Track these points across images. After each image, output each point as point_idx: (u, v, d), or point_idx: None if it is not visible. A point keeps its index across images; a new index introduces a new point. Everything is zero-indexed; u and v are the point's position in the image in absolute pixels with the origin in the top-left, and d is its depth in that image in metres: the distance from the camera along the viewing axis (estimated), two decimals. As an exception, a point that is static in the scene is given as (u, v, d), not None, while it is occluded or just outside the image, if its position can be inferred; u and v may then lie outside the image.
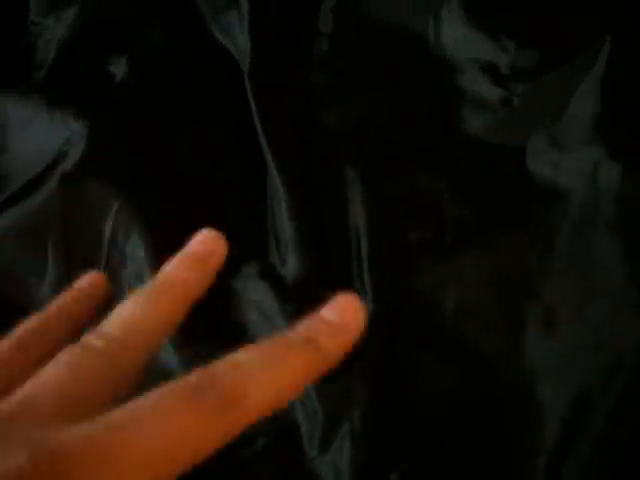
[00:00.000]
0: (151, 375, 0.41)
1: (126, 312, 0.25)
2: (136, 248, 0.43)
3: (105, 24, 0.49)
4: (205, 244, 0.29)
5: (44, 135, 0.46)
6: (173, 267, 0.28)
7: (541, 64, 0.47)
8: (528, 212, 0.44)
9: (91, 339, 0.24)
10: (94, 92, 0.47)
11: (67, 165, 0.45)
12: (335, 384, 0.40)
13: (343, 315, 0.25)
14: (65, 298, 0.30)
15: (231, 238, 0.44)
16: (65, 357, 0.23)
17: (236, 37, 0.49)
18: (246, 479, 0.40)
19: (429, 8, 0.50)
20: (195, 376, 0.22)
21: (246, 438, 0.41)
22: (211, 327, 0.43)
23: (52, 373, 0.23)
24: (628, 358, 0.40)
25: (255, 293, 0.43)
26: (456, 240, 0.44)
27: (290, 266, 0.43)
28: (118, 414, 0.21)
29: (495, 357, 0.41)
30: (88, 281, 0.31)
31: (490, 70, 0.48)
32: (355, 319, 0.25)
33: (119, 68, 0.48)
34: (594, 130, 0.44)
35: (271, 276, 0.43)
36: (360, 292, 0.43)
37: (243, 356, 0.23)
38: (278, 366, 0.23)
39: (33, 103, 0.47)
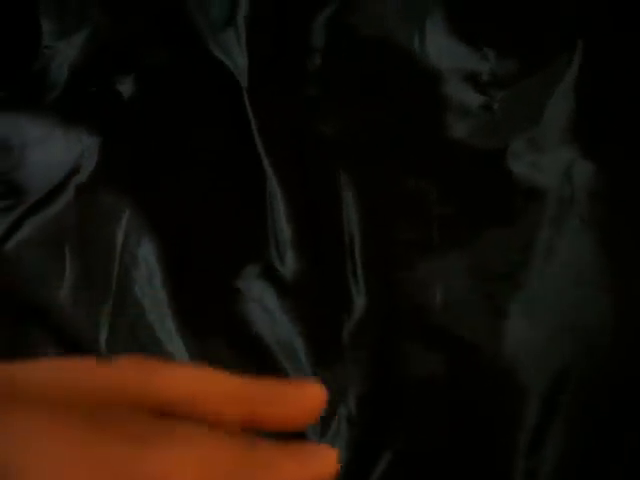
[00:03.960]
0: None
1: None
2: (147, 252, 0.47)
3: (113, 46, 0.52)
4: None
5: (59, 150, 0.49)
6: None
7: (519, 71, 0.50)
8: (509, 209, 0.47)
9: None
10: (104, 110, 0.51)
11: (82, 177, 0.48)
12: (330, 371, 0.43)
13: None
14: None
15: (235, 242, 0.48)
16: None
17: (234, 55, 0.52)
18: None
19: (414, 21, 0.52)
20: None
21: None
22: (217, 323, 0.46)
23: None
24: (604, 340, 0.43)
25: (257, 291, 0.46)
26: (443, 238, 0.47)
27: (289, 266, 0.47)
28: None
29: (479, 344, 0.44)
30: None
31: (472, 78, 0.50)
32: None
33: (126, 87, 0.51)
34: (569, 131, 0.47)
35: (271, 276, 0.47)
36: (354, 287, 0.46)
37: None
38: None
39: (48, 122, 0.50)
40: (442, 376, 0.44)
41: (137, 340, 0.46)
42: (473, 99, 0.50)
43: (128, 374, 0.25)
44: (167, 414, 0.24)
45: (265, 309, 0.46)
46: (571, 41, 0.49)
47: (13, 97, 0.52)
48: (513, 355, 0.44)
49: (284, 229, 0.47)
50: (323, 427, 0.43)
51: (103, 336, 0.46)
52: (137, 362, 0.25)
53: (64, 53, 0.52)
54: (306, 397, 0.26)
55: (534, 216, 0.47)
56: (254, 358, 0.45)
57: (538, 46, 0.50)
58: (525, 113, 0.49)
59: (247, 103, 0.50)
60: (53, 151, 0.49)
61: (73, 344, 0.46)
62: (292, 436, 0.43)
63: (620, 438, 0.43)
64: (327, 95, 0.52)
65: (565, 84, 0.48)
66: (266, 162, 0.49)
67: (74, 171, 0.48)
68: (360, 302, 0.45)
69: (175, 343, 0.45)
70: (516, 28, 0.51)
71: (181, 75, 0.53)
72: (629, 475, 0.43)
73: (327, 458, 0.26)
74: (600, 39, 0.49)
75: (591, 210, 0.45)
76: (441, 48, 0.51)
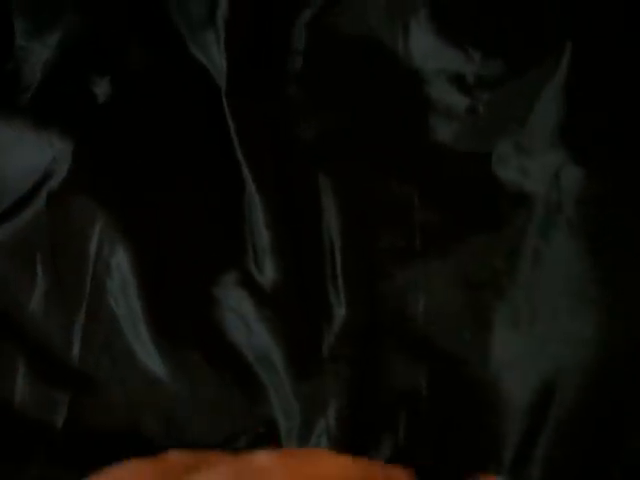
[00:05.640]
0: (139, 380, 0.44)
1: None
2: (121, 260, 0.45)
3: (88, 47, 0.51)
4: None
5: (31, 155, 0.48)
6: None
7: (505, 73, 0.49)
8: (495, 215, 0.46)
9: None
10: (79, 113, 0.49)
11: (54, 183, 0.47)
12: (310, 384, 0.42)
13: None
14: None
15: (211, 249, 0.47)
16: None
17: (213, 55, 0.51)
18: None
19: (398, 22, 0.51)
20: None
21: (229, 436, 0.43)
22: (193, 333, 0.45)
23: None
24: (591, 351, 0.42)
25: (234, 300, 0.45)
26: (425, 245, 0.46)
27: (267, 274, 0.45)
28: None
29: (463, 356, 0.43)
30: None
31: (457, 80, 0.49)
32: None
33: (102, 89, 0.50)
34: (557, 135, 0.46)
35: (249, 284, 0.45)
36: (334, 297, 0.45)
37: None
38: None
39: (20, 124, 0.49)
40: (424, 388, 0.43)
41: (111, 351, 0.45)
42: (458, 101, 0.49)
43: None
44: None
45: (242, 319, 0.45)
46: (559, 42, 0.48)
47: (-16, 98, 0.50)
48: (497, 367, 0.43)
49: (263, 236, 0.46)
50: (302, 442, 0.42)
51: (76, 347, 0.45)
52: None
53: (37, 53, 0.51)
54: None
55: (520, 222, 0.46)
56: (230, 370, 0.44)
57: (525, 47, 0.49)
58: (511, 116, 0.48)
59: (226, 106, 0.49)
60: (24, 155, 0.48)
61: (44, 356, 0.45)
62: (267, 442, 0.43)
63: (608, 451, 0.42)
64: (308, 97, 0.51)
65: (553, 86, 0.47)
66: (245, 167, 0.48)
67: (46, 177, 0.47)
68: (340, 312, 0.44)
69: (150, 354, 0.44)
70: (503, 29, 0.50)
71: (159, 77, 0.51)
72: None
73: None
74: (589, 41, 0.48)
75: (579, 216, 0.44)
76: (426, 49, 0.51)
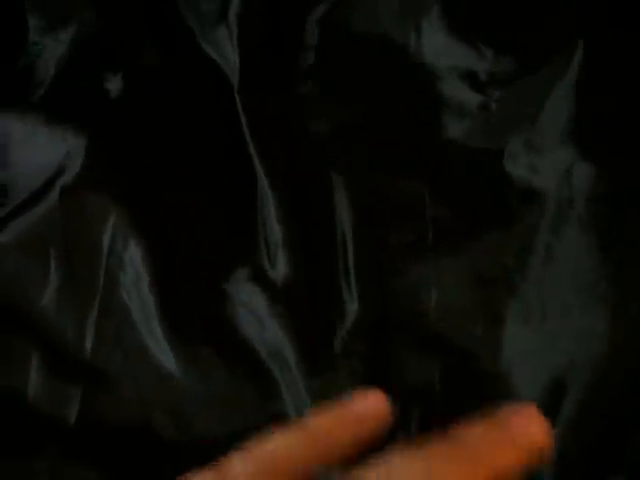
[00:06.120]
0: (151, 374, 0.44)
1: None
2: (134, 255, 0.46)
3: (101, 43, 0.51)
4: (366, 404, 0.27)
5: (44, 150, 0.48)
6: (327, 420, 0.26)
7: (517, 70, 0.49)
8: (506, 212, 0.46)
9: None
10: (91, 108, 0.50)
11: (67, 178, 0.47)
12: (322, 380, 0.42)
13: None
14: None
15: (223, 243, 0.47)
16: None
17: (225, 52, 0.51)
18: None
19: (410, 19, 0.51)
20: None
21: (241, 432, 0.43)
22: (205, 328, 0.45)
23: None
24: (599, 346, 0.42)
25: (246, 296, 0.45)
26: (437, 241, 0.46)
27: (279, 269, 0.45)
28: None
29: (475, 351, 0.43)
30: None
31: (469, 77, 0.50)
32: None
33: (115, 85, 0.50)
34: (568, 132, 0.46)
35: (261, 279, 0.45)
36: (346, 293, 0.45)
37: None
38: None
39: (33, 120, 0.49)
40: (437, 384, 0.43)
41: (123, 345, 0.45)
42: (470, 98, 0.49)
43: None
44: None
45: (254, 314, 0.45)
46: (571, 40, 0.48)
47: (-2, 94, 0.51)
48: (509, 362, 0.43)
49: (275, 231, 0.46)
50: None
51: (88, 341, 0.45)
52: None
53: (51, 49, 0.51)
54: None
55: (531, 219, 0.46)
56: (242, 365, 0.44)
57: (537, 45, 0.49)
58: (523, 113, 0.48)
59: (238, 102, 0.49)
60: (38, 151, 0.48)
61: (57, 350, 0.45)
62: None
63: (619, 447, 0.42)
64: (320, 93, 0.51)
65: (564, 84, 0.47)
66: (257, 163, 0.48)
67: (59, 172, 0.47)
68: (352, 308, 0.44)
69: (162, 348, 0.44)
70: (515, 26, 0.50)
71: (171, 73, 0.52)
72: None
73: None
74: (601, 39, 0.48)
75: (590, 213, 0.44)
76: (438, 46, 0.51)
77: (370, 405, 0.26)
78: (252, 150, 0.48)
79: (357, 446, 0.25)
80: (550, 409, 0.41)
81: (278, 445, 0.24)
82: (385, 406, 0.26)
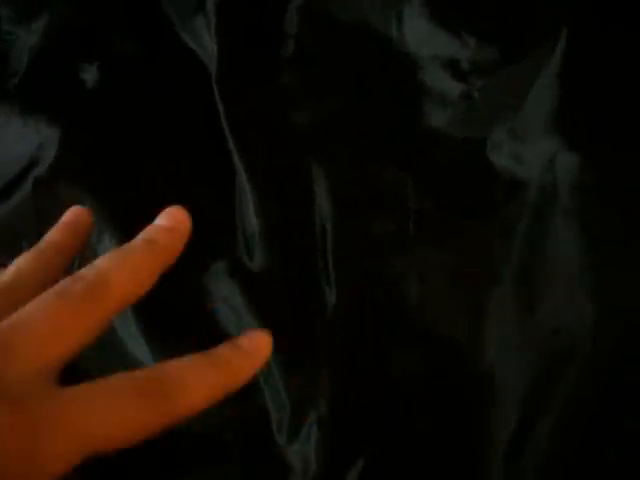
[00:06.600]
0: (122, 369, 0.43)
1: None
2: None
3: (76, 32, 0.50)
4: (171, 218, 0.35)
5: (18, 141, 0.47)
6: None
7: (500, 59, 0.48)
8: (489, 202, 0.46)
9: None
10: (66, 99, 0.49)
11: (40, 169, 0.46)
12: (301, 374, 0.41)
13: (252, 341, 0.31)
14: (55, 235, 0.34)
15: (201, 236, 0.46)
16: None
17: (204, 41, 0.50)
18: (216, 472, 0.41)
19: (392, 7, 0.51)
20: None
21: (214, 431, 0.42)
22: (181, 321, 0.44)
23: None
24: (583, 342, 0.41)
25: (224, 289, 0.44)
26: (419, 232, 0.45)
27: (257, 261, 0.45)
28: None
29: (458, 343, 0.43)
30: (74, 216, 0.35)
31: (451, 66, 0.49)
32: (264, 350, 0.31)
33: (90, 75, 0.49)
34: (552, 122, 0.46)
35: (239, 272, 0.45)
36: (326, 285, 0.44)
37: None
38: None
39: (6, 111, 0.48)
40: (418, 376, 0.42)
41: (98, 340, 0.44)
42: (452, 87, 0.49)
43: None
44: None
45: (232, 307, 0.44)
46: (555, 29, 0.47)
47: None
48: (492, 353, 0.42)
49: (253, 223, 0.45)
50: (292, 433, 0.41)
51: (62, 336, 0.44)
52: None
53: (24, 38, 0.50)
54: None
55: (515, 209, 0.45)
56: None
57: (520, 33, 0.48)
58: (506, 102, 0.47)
59: (216, 92, 0.48)
60: (10, 142, 0.47)
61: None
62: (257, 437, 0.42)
63: (605, 441, 0.41)
64: (300, 83, 0.50)
65: (548, 73, 0.46)
66: (235, 154, 0.47)
67: (32, 163, 0.46)
68: (332, 300, 0.43)
69: (138, 344, 0.43)
70: (498, 15, 0.49)
71: (148, 63, 0.51)
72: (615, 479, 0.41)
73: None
74: (584, 28, 0.48)
75: (574, 203, 0.44)
76: (420, 34, 0.50)
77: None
78: (230, 142, 0.47)
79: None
80: (535, 400, 0.40)
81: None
82: None
